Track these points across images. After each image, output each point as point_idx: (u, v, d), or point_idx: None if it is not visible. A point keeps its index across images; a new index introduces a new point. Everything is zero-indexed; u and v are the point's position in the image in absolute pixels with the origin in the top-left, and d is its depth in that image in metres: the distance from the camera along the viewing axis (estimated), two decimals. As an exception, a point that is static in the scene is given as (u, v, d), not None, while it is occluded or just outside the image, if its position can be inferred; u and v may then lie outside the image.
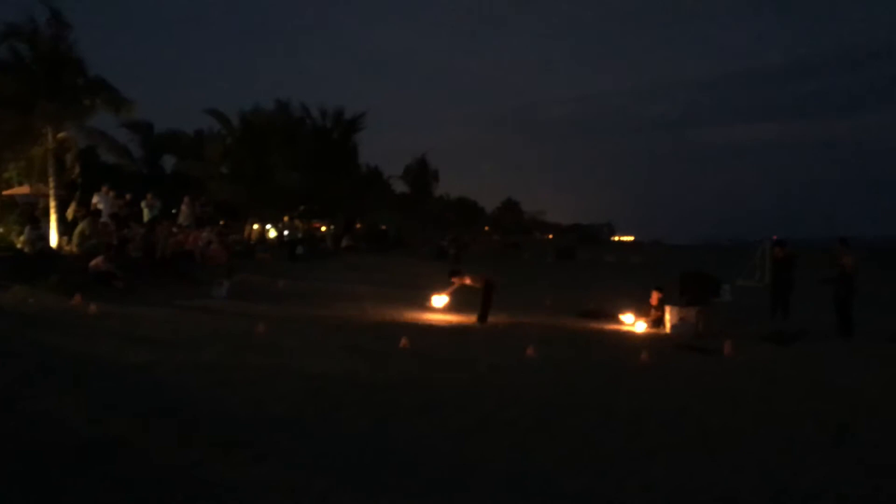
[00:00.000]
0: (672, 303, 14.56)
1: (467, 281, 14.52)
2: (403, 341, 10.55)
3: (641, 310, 15.15)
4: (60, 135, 18.45)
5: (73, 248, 17.31)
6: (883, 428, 7.13)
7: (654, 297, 15.03)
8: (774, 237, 21.00)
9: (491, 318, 13.82)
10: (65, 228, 18.43)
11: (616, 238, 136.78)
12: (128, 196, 22.73)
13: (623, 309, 15.46)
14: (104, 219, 18.68)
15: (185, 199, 25.21)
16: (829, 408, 7.95)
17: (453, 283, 14.77)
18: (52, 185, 18.36)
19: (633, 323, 14.84)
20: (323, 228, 39.60)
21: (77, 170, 18.88)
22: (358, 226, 42.88)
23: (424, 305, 15.36)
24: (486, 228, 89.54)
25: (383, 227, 47.39)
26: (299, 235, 31.30)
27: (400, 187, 61.69)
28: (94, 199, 20.34)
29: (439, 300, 15.39)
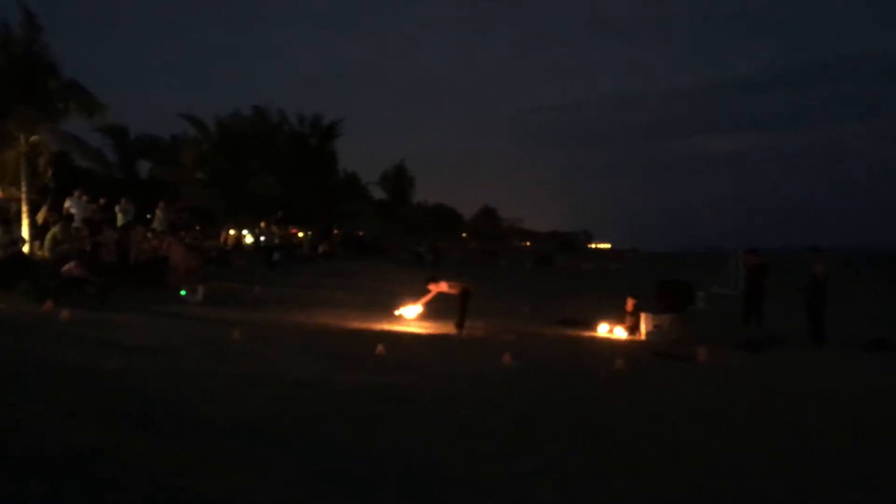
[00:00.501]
0: (648, 310, 14.67)
1: (444, 288, 14.44)
2: (380, 348, 10.51)
3: (617, 316, 15.27)
4: (33, 138, 18.24)
5: (44, 252, 17.09)
6: (855, 437, 7.20)
7: (630, 304, 15.16)
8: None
9: (468, 326, 13.80)
10: (36, 233, 18.21)
11: (593, 245, 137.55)
12: (101, 200, 22.49)
13: (599, 318, 15.55)
14: (77, 223, 18.47)
15: (160, 205, 24.99)
16: (802, 415, 8.03)
17: (430, 291, 14.67)
18: (24, 189, 18.12)
19: (609, 331, 14.96)
20: (300, 234, 39.47)
21: (49, 174, 18.67)
22: (335, 232, 42.76)
23: (400, 313, 15.30)
24: (464, 235, 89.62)
25: (360, 234, 47.31)
26: (276, 241, 31.16)
27: (378, 193, 61.71)
28: (67, 204, 20.12)
29: (410, 311, 15.08)
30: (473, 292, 14.45)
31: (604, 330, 15.05)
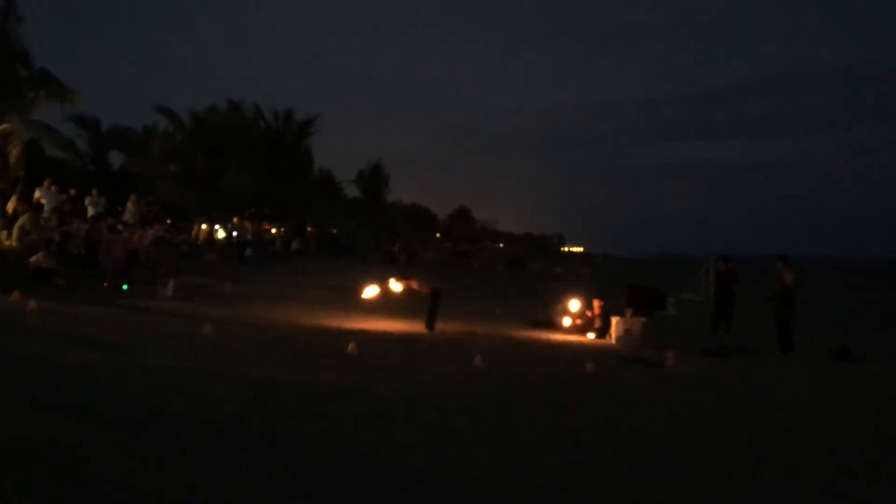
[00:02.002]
0: (617, 313, 14.81)
1: (415, 286, 14.37)
2: (351, 347, 10.49)
3: (583, 316, 15.59)
4: (3, 127, 17.97)
5: (12, 242, 16.83)
6: (818, 443, 7.31)
7: (596, 307, 15.31)
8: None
9: (440, 327, 13.80)
10: (5, 222, 17.92)
11: (566, 249, 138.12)
12: (72, 191, 22.19)
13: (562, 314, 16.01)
14: (46, 214, 18.22)
15: (132, 197, 24.72)
16: (766, 422, 8.14)
17: (401, 286, 14.52)
18: (-7, 177, 17.86)
19: (570, 325, 15.50)
20: (273, 231, 39.17)
21: (21, 164, 18.40)
22: (309, 229, 42.52)
23: (370, 311, 15.23)
24: (438, 235, 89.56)
25: (334, 232, 47.07)
26: (248, 237, 30.89)
27: (353, 192, 61.52)
28: (37, 194, 19.84)
29: (371, 290, 14.91)
30: (442, 293, 14.35)
31: (567, 322, 15.45)
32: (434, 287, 14.20)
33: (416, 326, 13.92)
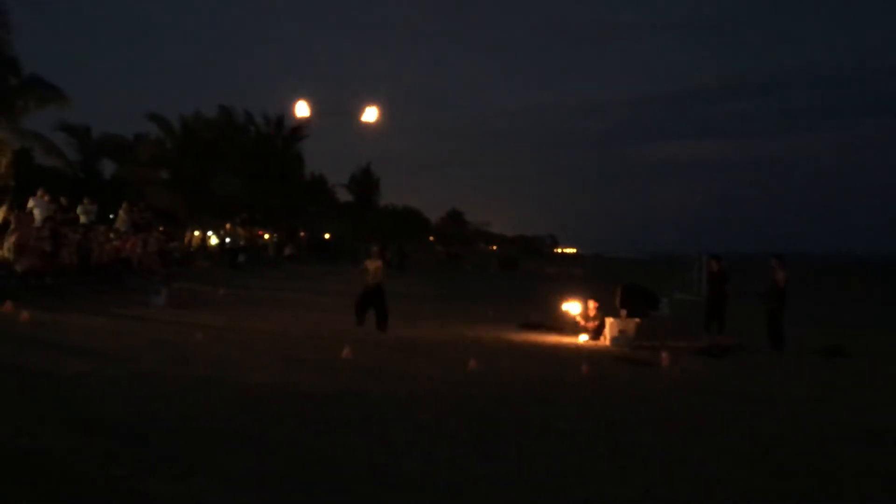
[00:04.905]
0: (611, 314, 14.82)
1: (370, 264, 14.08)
2: (346, 351, 10.49)
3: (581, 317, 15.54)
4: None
5: (4, 252, 16.76)
6: (810, 442, 7.33)
7: (592, 308, 15.30)
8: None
9: (437, 330, 13.72)
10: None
11: (559, 250, 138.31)
12: (63, 200, 22.11)
13: (564, 322, 15.81)
14: (38, 223, 18.14)
15: (123, 205, 24.66)
16: (759, 421, 8.16)
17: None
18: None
19: (575, 324, 15.43)
20: (266, 236, 39.13)
21: (10, 172, 18.35)
22: (301, 234, 42.49)
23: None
24: (431, 238, 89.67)
25: (327, 236, 47.05)
26: (241, 243, 30.87)
27: (344, 196, 61.49)
28: (30, 203, 19.78)
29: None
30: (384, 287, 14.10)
31: (575, 309, 15.63)
32: (375, 282, 13.81)
33: (409, 331, 13.90)
